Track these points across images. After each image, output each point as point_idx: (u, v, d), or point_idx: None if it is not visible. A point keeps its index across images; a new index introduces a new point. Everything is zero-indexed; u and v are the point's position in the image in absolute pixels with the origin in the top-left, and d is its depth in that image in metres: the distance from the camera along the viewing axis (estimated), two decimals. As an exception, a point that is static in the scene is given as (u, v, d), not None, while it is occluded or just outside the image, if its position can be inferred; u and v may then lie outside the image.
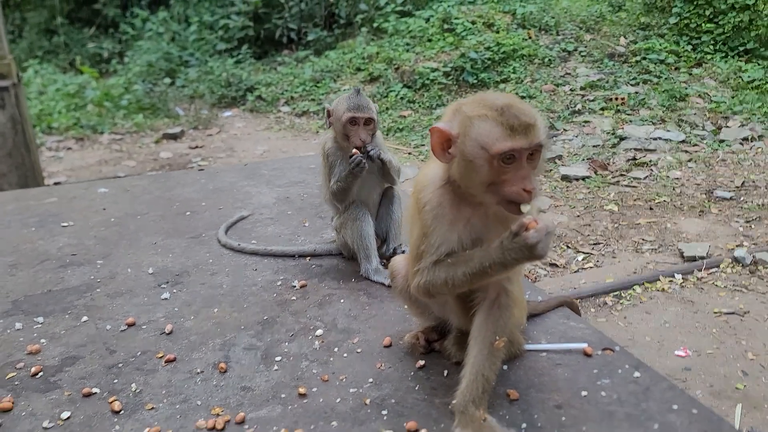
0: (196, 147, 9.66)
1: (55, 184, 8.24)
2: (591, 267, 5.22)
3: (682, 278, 4.83)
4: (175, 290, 2.36)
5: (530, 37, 10.54)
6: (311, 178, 3.67)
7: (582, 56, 10.15)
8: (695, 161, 7.08)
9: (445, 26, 11.04)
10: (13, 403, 1.73)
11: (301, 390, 1.74)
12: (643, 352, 4.00)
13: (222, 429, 1.61)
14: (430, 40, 10.94)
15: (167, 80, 12.13)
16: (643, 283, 4.79)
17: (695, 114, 8.26)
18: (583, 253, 5.43)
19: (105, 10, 15.85)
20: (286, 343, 2.00)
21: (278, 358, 1.91)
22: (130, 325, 2.12)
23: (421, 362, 1.85)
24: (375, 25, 12.05)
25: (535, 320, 2.04)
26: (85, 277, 2.49)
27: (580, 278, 4.99)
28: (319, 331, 2.05)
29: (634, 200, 6.31)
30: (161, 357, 1.93)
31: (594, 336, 1.93)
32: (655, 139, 7.58)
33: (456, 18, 11.02)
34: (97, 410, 1.70)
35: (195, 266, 2.56)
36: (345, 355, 1.92)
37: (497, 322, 1.61)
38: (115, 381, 1.83)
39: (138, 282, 2.44)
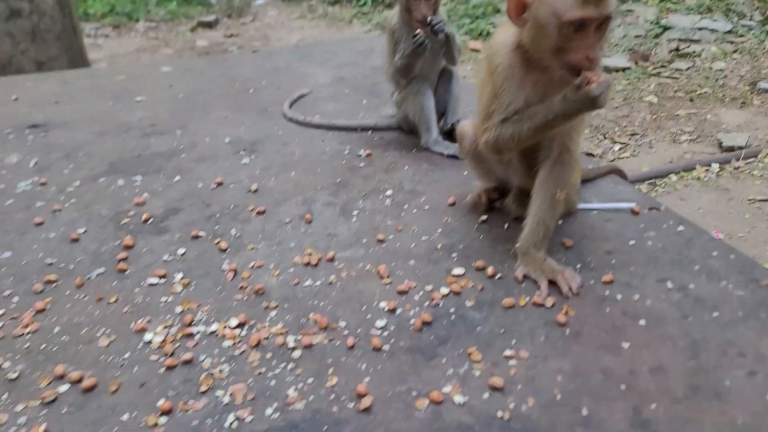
0: (231, 35, 9.67)
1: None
2: (627, 157, 5.34)
3: (719, 167, 4.95)
4: (252, 157, 2.59)
5: None
6: (362, 60, 3.79)
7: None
8: (740, 52, 6.98)
9: None
10: (133, 241, 2.01)
11: (380, 237, 1.99)
12: (675, 234, 4.21)
13: (316, 264, 1.87)
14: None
15: (199, -34, 11.90)
16: (679, 172, 4.92)
17: (743, 3, 8.01)
18: (620, 143, 5.53)
19: None
20: (360, 201, 2.23)
21: (355, 212, 2.16)
22: (219, 184, 2.37)
23: (484, 217, 2.07)
24: None
25: (587, 185, 2.23)
26: (169, 145, 2.73)
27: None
28: (388, 192, 2.28)
29: (675, 92, 6.31)
30: (252, 210, 2.19)
31: (641, 198, 2.13)
32: (700, 29, 7.43)
33: None
34: (207, 249, 1.98)
35: (267, 137, 2.78)
36: (414, 210, 2.15)
37: (559, 176, 1.81)
38: (216, 227, 2.09)
39: (217, 149, 2.67)
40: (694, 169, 4.94)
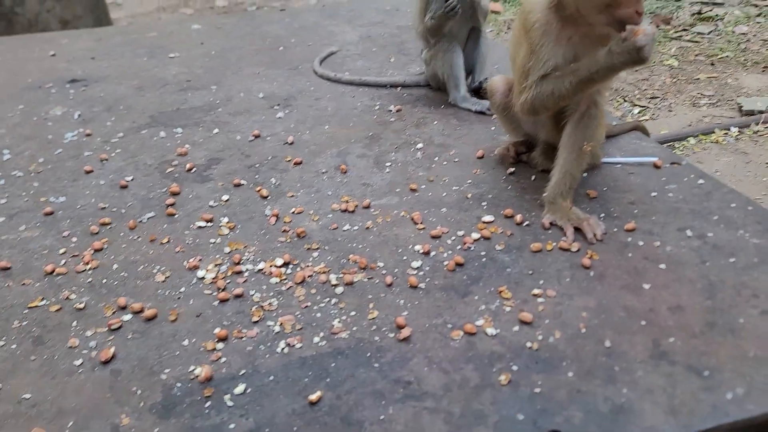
0: (249, -7, 9.67)
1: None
2: (647, 119, 5.38)
3: (738, 131, 4.98)
4: (287, 111, 2.69)
5: None
6: (389, 19, 3.85)
7: None
8: (765, 16, 6.92)
9: None
10: (180, 188, 2.13)
11: (412, 186, 2.10)
12: (692, 195, 4.29)
13: (353, 210, 1.99)
14: None
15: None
16: (697, 135, 4.97)
17: (770, -33, 7.89)
18: (640, 106, 5.57)
19: None
20: (393, 153, 2.33)
21: (388, 164, 2.26)
22: (256, 137, 2.48)
23: (512, 170, 2.17)
24: None
25: (610, 140, 2.32)
26: (206, 99, 2.83)
27: (635, 129, 5.18)
28: (419, 145, 2.38)
29: (696, 55, 6.30)
30: (289, 161, 2.30)
31: (663, 153, 2.22)
32: (724, -7, 7.35)
33: None
34: (249, 196, 2.10)
35: (299, 92, 2.87)
36: (444, 163, 2.25)
37: (586, 130, 1.89)
38: (257, 176, 2.21)
39: (252, 104, 2.77)
40: (713, 132, 4.97)
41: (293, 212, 1.99)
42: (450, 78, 2.68)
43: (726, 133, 4.97)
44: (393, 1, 4.14)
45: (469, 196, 2.04)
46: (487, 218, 1.91)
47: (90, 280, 1.75)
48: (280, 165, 2.28)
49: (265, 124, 2.59)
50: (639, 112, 5.50)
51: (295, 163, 2.28)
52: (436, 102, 2.73)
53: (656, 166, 2.14)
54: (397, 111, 2.66)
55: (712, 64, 6.12)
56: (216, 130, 2.54)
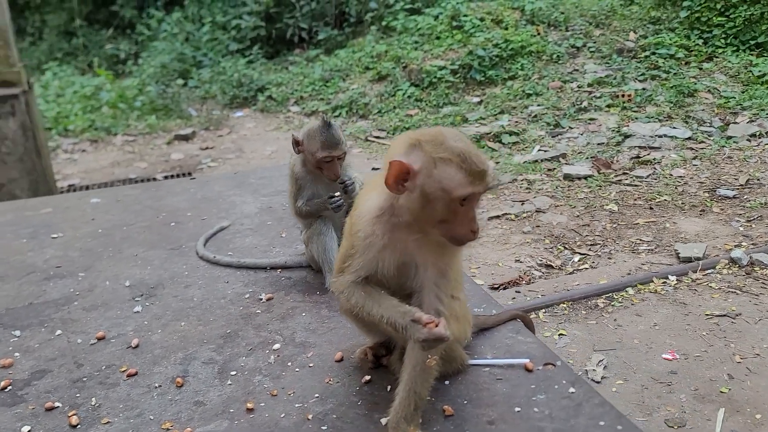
0: (207, 148, 9.82)
1: (69, 186, 8.46)
2: (586, 268, 5.24)
3: (677, 279, 4.83)
4: (148, 303, 2.47)
5: (539, 33, 10.50)
6: (297, 186, 3.75)
7: (591, 52, 10.09)
8: (700, 158, 7.03)
9: (454, 23, 11.04)
10: (-21, 416, 1.85)
11: (249, 405, 1.83)
12: (629, 355, 4.03)
13: (168, 443, 1.70)
14: (438, 38, 10.96)
15: (180, 81, 12.29)
16: (636, 285, 4.80)
17: (703, 110, 8.18)
18: (580, 254, 5.45)
19: (122, 12, 16.10)
20: (244, 357, 2.08)
21: (233, 373, 2.00)
22: (100, 339, 2.23)
23: (368, 377, 1.92)
24: (384, 23, 12.08)
25: (484, 334, 2.10)
26: (66, 290, 2.60)
27: (574, 280, 5.02)
28: (276, 345, 2.14)
29: (635, 199, 6.30)
30: (124, 371, 2.03)
31: (538, 351, 1.99)
32: (660, 136, 7.53)
33: (465, 15, 11.02)
34: (57, 424, 1.81)
35: (171, 278, 2.66)
36: (297, 369, 2.00)
37: (429, 342, 1.67)
38: (78, 395, 1.93)
39: (114, 295, 2.55)
40: (652, 281, 4.82)
41: (98, 448, 1.70)
42: (324, 262, 2.50)
43: (665, 282, 4.81)
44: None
45: (310, 417, 1.77)
46: (321, 450, 1.63)
47: None
48: (111, 377, 2.01)
49: (117, 321, 2.35)
50: (579, 260, 5.36)
51: (128, 375, 2.01)
52: (313, 287, 2.53)
53: (527, 369, 1.90)
54: (267, 300, 2.45)
55: (651, 208, 6.10)
56: (59, 332, 2.29)
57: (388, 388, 1.86)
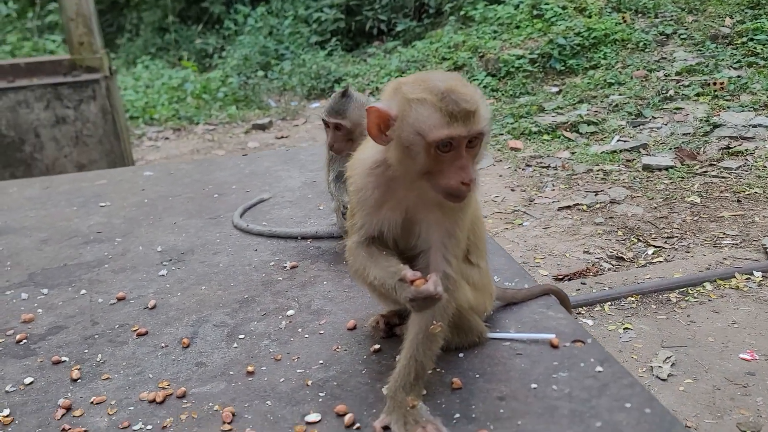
0: (282, 137, 9.94)
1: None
2: (661, 261, 4.87)
3: (762, 276, 4.40)
4: (174, 267, 2.43)
5: (624, 21, 9.97)
6: (346, 163, 3.66)
7: (681, 39, 9.47)
8: (798, 149, 6.43)
9: (535, 12, 10.67)
10: (-11, 366, 1.85)
11: (250, 368, 1.74)
12: (702, 353, 3.69)
13: (162, 402, 1.63)
14: (518, 27, 10.62)
15: (261, 73, 12.54)
16: (715, 280, 4.40)
17: (805, 98, 7.48)
18: (655, 246, 5.07)
19: (212, 8, 16.63)
20: (255, 322, 2.00)
21: (241, 336, 1.92)
22: (119, 299, 2.21)
23: (377, 346, 1.79)
24: (463, 13, 11.84)
25: (512, 308, 1.92)
26: (100, 254, 2.62)
27: (646, 273, 4.67)
28: (290, 312, 2.04)
29: (721, 192, 5.82)
30: (135, 330, 2.00)
31: (568, 327, 1.79)
32: (754, 126, 6.94)
33: (546, 3, 10.62)
34: (58, 377, 1.78)
35: (201, 245, 2.62)
36: (307, 336, 1.90)
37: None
38: (86, 351, 1.91)
39: (144, 259, 2.53)
40: (734, 277, 4.40)
41: (91, 402, 1.65)
42: (352, 231, 2.37)
43: (748, 278, 4.39)
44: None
45: (310, 383, 1.66)
46: (312, 417, 1.52)
47: None
48: (121, 336, 1.98)
49: (140, 284, 2.32)
50: (653, 253, 4.99)
51: (138, 334, 1.97)
52: (340, 257, 2.41)
53: (553, 345, 1.71)
54: (291, 268, 2.36)
55: (739, 201, 5.61)
56: (83, 292, 2.29)
57: (398, 357, 1.72)
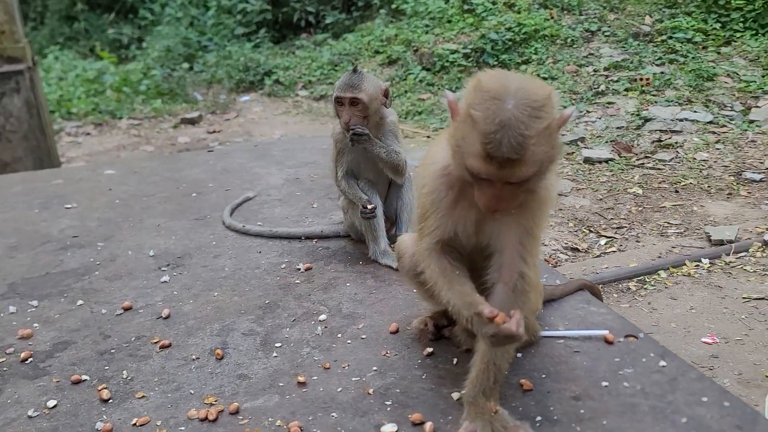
0: (214, 132, 9.59)
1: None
2: (614, 251, 5.05)
3: (710, 263, 4.64)
4: (175, 273, 2.27)
5: (552, 17, 10.27)
6: (322, 158, 3.55)
7: (605, 36, 9.86)
8: (723, 142, 6.83)
9: (465, 6, 10.81)
10: (-1, 389, 1.65)
11: (301, 378, 1.64)
12: (668, 338, 3.84)
13: (215, 419, 1.51)
14: (449, 21, 10.73)
15: (185, 65, 12.06)
16: (668, 268, 4.61)
17: (723, 94, 7.96)
18: (606, 237, 5.25)
19: (124, -4, 15.84)
20: (288, 329, 1.89)
21: (278, 345, 1.81)
22: (126, 309, 2.04)
23: (429, 350, 1.73)
24: (393, 6, 11.84)
25: (552, 305, 1.91)
26: (85, 260, 2.41)
27: (602, 263, 4.83)
28: (322, 316, 1.94)
29: (659, 183, 6.10)
30: (156, 342, 1.84)
31: (616, 322, 1.80)
32: (681, 120, 7.33)
33: (476, -2, 10.78)
34: (86, 398, 1.61)
35: (197, 248, 2.47)
36: (349, 341, 1.81)
37: (512, 306, 1.47)
38: (107, 368, 1.74)
39: (138, 264, 2.35)
40: (684, 264, 4.63)
41: (134, 424, 1.50)
42: (368, 230, 2.30)
43: (697, 265, 4.62)
44: (329, 141, 3.87)
45: (371, 391, 1.58)
46: (388, 428, 1.44)
47: None
48: (143, 349, 1.82)
49: (144, 291, 2.15)
50: (605, 243, 5.17)
51: (161, 347, 1.82)
52: (354, 257, 2.33)
53: (607, 341, 1.71)
54: (305, 270, 2.25)
55: (677, 192, 5.90)
56: (80, 302, 2.10)
57: (455, 361, 1.68)
